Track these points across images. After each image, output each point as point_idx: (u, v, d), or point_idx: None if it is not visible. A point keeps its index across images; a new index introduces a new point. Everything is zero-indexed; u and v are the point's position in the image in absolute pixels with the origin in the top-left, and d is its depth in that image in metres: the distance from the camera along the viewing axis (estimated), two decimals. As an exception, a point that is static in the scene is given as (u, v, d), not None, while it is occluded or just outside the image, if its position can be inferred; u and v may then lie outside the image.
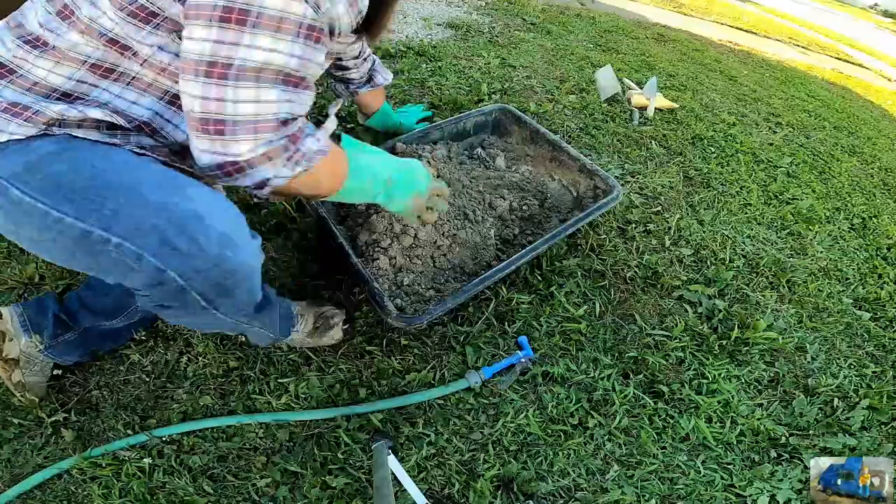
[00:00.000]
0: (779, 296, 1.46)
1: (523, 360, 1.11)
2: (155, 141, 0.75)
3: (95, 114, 0.67)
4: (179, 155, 0.79)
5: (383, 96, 1.50)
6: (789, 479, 1.04)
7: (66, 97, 0.67)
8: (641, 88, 2.28)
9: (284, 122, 0.68)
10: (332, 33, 0.70)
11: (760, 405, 1.17)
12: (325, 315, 1.10)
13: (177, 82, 0.71)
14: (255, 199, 0.83)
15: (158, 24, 0.65)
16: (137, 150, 0.71)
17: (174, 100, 0.74)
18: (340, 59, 1.24)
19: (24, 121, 0.64)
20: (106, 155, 0.67)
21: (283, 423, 0.99)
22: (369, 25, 0.78)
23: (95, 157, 0.66)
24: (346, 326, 1.11)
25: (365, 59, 1.29)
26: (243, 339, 1.10)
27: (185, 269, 0.65)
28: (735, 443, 1.09)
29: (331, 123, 0.84)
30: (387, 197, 0.94)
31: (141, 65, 0.69)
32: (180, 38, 0.65)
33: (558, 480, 0.98)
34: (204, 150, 0.67)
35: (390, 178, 0.93)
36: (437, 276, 1.19)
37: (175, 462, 0.92)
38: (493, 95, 2.03)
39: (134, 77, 0.70)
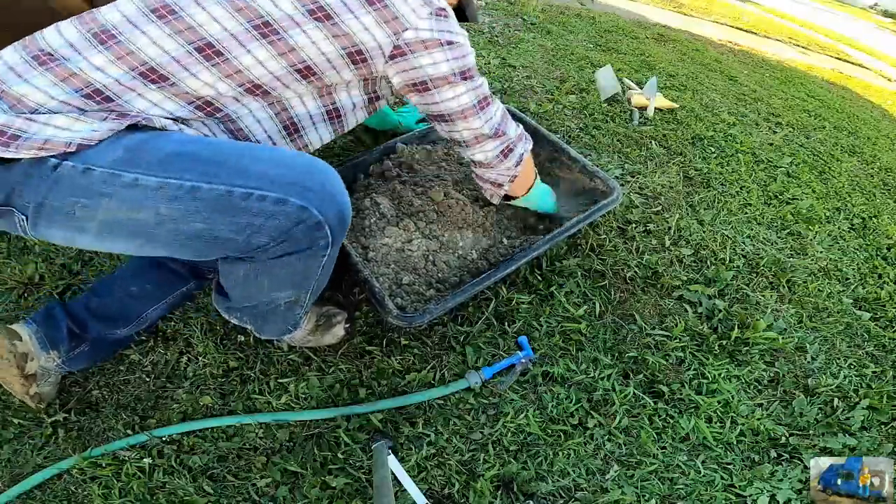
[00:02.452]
0: (779, 296, 1.46)
1: (523, 360, 1.11)
2: None
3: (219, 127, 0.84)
4: None
5: None
6: (789, 479, 1.04)
7: (207, 107, 0.79)
8: (641, 88, 2.28)
9: (505, 111, 1.07)
10: None
11: (760, 405, 1.17)
12: (327, 314, 1.10)
13: (282, 124, 0.91)
14: (499, 196, 1.17)
15: (312, 80, 0.83)
16: None
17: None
18: None
19: (114, 120, 0.70)
20: (192, 135, 0.77)
21: (282, 423, 0.99)
22: None
23: (189, 136, 0.75)
24: (347, 325, 1.11)
25: None
26: (242, 337, 1.10)
27: (321, 204, 0.74)
28: (735, 443, 1.09)
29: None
30: (544, 201, 1.30)
31: (258, 108, 0.84)
32: (317, 93, 0.88)
33: (558, 480, 0.98)
34: (493, 148, 1.03)
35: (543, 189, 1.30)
36: (437, 276, 1.19)
37: (175, 462, 0.92)
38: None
39: (228, 117, 0.83)
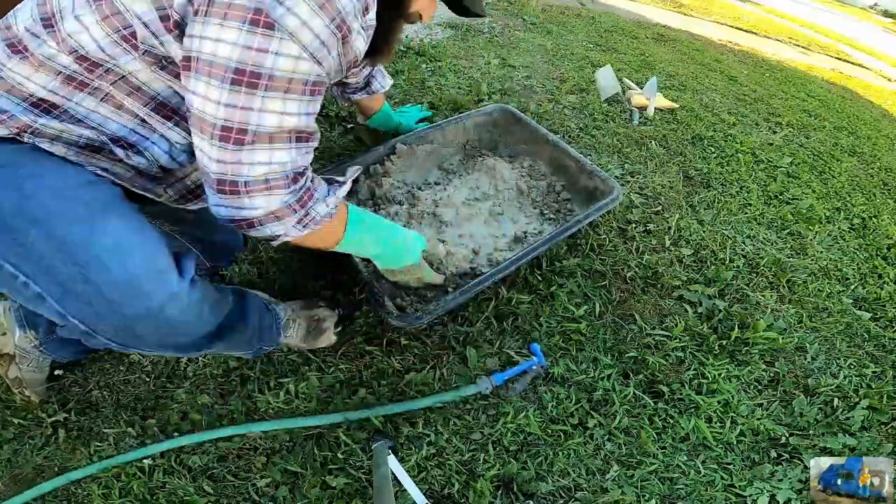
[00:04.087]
0: (779, 296, 1.46)
1: (535, 367, 1.10)
2: (125, 164, 0.74)
3: (72, 129, 0.68)
4: (149, 178, 0.78)
5: (383, 98, 1.50)
6: (789, 479, 1.04)
7: (43, 105, 0.67)
8: (641, 88, 2.28)
9: (294, 178, 0.71)
10: (330, 78, 0.71)
11: (760, 405, 1.17)
12: (316, 318, 1.08)
13: (147, 105, 0.72)
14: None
15: (145, 51, 0.66)
16: (98, 173, 0.69)
17: (145, 122, 0.74)
18: None
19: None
20: (41, 176, 0.64)
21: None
22: (374, 53, 0.81)
23: (28, 179, 0.62)
24: (338, 329, 1.10)
25: (363, 67, 1.27)
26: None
27: (86, 316, 0.63)
28: (735, 443, 1.09)
29: (344, 190, 0.84)
30: (382, 260, 0.99)
31: (111, 84, 0.69)
32: (162, 69, 0.69)
33: (558, 480, 0.98)
34: (219, 205, 0.71)
35: (388, 244, 0.96)
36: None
37: (175, 462, 0.92)
38: (493, 95, 2.03)
39: (106, 94, 0.70)
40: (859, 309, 1.51)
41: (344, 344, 1.12)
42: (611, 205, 1.31)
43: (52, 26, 0.66)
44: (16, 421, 0.95)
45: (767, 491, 1.02)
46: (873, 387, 1.27)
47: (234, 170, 0.66)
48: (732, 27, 4.76)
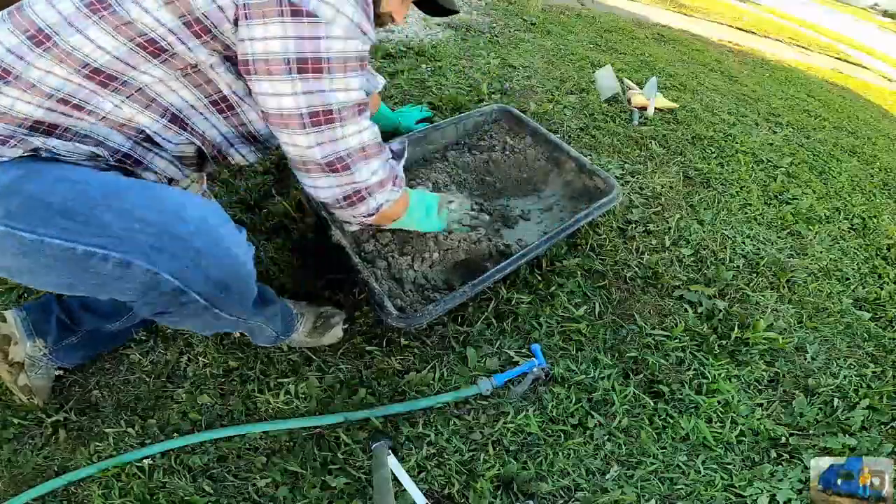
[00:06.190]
0: (779, 296, 1.46)
1: (536, 368, 1.10)
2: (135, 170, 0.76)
3: (80, 148, 0.67)
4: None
5: (379, 98, 1.50)
6: (789, 479, 1.04)
7: (41, 126, 0.66)
8: (641, 88, 2.28)
9: (380, 143, 0.79)
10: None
11: (760, 405, 1.17)
12: (325, 315, 1.10)
13: (162, 116, 0.73)
14: (353, 228, 0.94)
15: (166, 59, 0.68)
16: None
17: (148, 139, 0.74)
18: None
19: (11, 148, 0.62)
20: (77, 171, 0.66)
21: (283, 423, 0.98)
22: None
23: (67, 173, 0.65)
24: (345, 326, 1.11)
25: None
26: (239, 335, 1.10)
27: (177, 268, 0.65)
28: (735, 443, 1.09)
29: (404, 158, 0.93)
30: (425, 222, 1.10)
31: (119, 102, 0.69)
32: (185, 76, 0.71)
33: (558, 480, 0.98)
34: (329, 186, 0.77)
35: (429, 206, 1.09)
36: (438, 277, 1.19)
37: (175, 462, 0.92)
38: (493, 95, 2.03)
39: (104, 116, 0.69)
40: (859, 309, 1.51)
41: (344, 344, 1.12)
42: (611, 205, 1.31)
43: (44, 42, 0.63)
44: (16, 421, 0.95)
45: (767, 491, 1.02)
46: (873, 387, 1.27)
47: (335, 147, 0.74)
48: (732, 27, 4.76)
